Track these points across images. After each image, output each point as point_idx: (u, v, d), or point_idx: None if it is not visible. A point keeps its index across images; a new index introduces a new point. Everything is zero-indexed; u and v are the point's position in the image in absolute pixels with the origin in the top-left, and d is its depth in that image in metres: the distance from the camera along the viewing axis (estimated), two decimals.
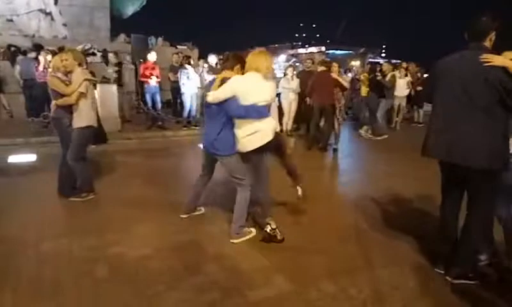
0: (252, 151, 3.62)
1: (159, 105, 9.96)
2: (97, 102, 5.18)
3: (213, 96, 3.57)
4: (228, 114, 3.59)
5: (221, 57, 11.92)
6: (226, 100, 3.53)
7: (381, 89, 9.96)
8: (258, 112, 3.53)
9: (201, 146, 4.03)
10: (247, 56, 3.73)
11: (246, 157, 3.73)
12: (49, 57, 8.85)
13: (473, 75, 2.84)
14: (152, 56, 9.91)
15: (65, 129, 4.65)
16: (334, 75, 7.85)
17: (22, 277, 3.08)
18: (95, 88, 4.85)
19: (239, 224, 3.82)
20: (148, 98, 9.90)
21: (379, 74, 10.16)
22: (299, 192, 4.14)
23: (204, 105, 3.89)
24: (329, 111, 8.02)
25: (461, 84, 2.89)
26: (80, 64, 4.66)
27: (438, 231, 3.38)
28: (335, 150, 8.22)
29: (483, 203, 3.03)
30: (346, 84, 7.80)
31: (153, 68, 9.79)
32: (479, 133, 2.85)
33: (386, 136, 9.57)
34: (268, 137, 3.60)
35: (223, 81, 3.60)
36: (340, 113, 8.09)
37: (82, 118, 4.58)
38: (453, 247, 3.19)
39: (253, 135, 3.56)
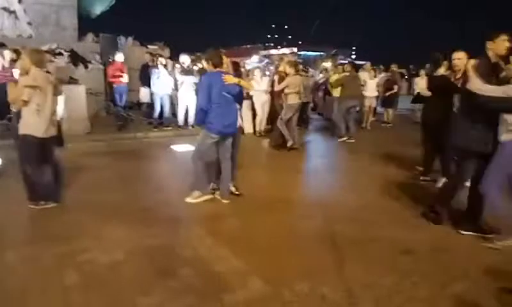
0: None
1: (123, 104, 10.11)
2: (61, 106, 5.06)
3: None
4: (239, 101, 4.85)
5: (193, 57, 11.87)
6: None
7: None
8: None
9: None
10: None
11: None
12: (7, 52, 8.47)
13: None
14: (119, 57, 9.86)
15: (17, 133, 4.48)
16: None
17: None
18: (55, 92, 4.54)
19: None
20: (117, 98, 9.76)
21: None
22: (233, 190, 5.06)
23: (223, 93, 4.49)
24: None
25: None
26: (38, 65, 4.40)
27: None
28: (290, 149, 8.10)
29: None
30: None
31: (121, 70, 9.77)
32: None
33: (344, 138, 9.60)
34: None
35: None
36: (284, 113, 8.09)
37: (22, 125, 4.37)
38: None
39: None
